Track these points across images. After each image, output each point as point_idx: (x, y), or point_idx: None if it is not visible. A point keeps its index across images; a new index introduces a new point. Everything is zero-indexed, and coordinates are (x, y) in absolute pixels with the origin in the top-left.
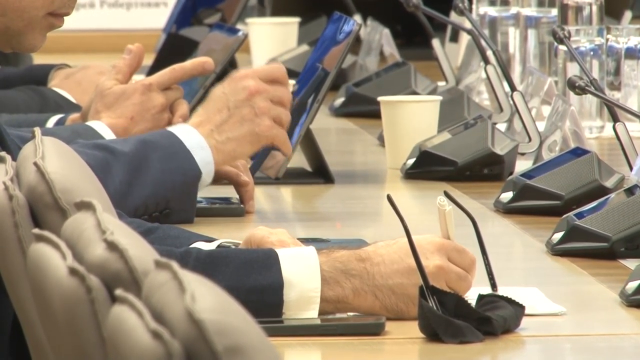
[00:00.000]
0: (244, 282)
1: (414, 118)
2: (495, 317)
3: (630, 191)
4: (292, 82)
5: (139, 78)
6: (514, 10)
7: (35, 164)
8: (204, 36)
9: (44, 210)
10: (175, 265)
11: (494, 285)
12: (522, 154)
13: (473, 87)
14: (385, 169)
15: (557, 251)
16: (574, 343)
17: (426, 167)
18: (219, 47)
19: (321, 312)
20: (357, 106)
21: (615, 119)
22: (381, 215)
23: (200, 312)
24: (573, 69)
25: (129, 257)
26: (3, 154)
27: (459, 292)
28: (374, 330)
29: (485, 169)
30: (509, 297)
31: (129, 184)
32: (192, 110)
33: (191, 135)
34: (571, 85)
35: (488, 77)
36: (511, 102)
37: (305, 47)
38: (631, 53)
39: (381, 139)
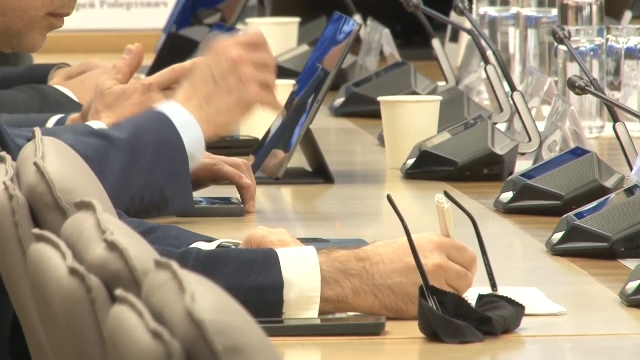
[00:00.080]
0: (244, 282)
1: (414, 118)
2: (496, 317)
3: (630, 191)
4: (292, 82)
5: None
6: (514, 10)
7: (36, 164)
8: (204, 36)
9: (44, 210)
10: (175, 265)
11: (494, 286)
12: (522, 154)
13: (473, 87)
14: (385, 169)
15: (557, 251)
16: (574, 343)
17: (426, 167)
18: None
19: (321, 312)
20: (357, 106)
21: (615, 119)
22: (381, 215)
23: (200, 312)
24: (573, 69)
25: (129, 257)
26: (3, 154)
27: (460, 290)
28: (374, 330)
29: (486, 169)
30: (509, 297)
31: (127, 172)
32: None
33: (181, 113)
34: (571, 85)
35: (488, 77)
36: (511, 102)
37: (305, 47)
38: (631, 53)
39: (381, 139)
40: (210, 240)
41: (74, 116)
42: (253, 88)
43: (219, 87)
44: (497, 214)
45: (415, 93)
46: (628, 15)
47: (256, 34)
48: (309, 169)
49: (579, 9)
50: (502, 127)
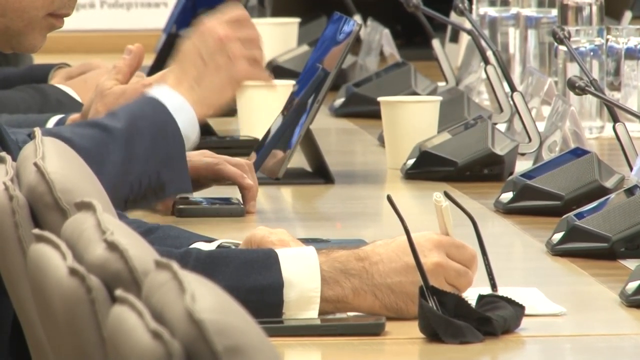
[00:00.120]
0: (244, 282)
1: (414, 118)
2: (496, 318)
3: (630, 191)
4: (292, 82)
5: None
6: (514, 10)
7: (36, 164)
8: None
9: (44, 210)
10: (175, 265)
11: (494, 286)
12: (522, 154)
13: (473, 87)
14: (385, 169)
15: (557, 251)
16: (574, 343)
17: (426, 167)
18: None
19: (321, 312)
20: (357, 106)
21: (615, 119)
22: (381, 215)
23: (200, 312)
24: (573, 69)
25: (129, 257)
26: (3, 154)
27: (460, 289)
28: (374, 330)
29: (485, 169)
30: (509, 297)
31: (126, 161)
32: None
33: (173, 97)
34: (571, 85)
35: (488, 78)
36: (511, 102)
37: (305, 48)
38: (631, 53)
39: (381, 139)
40: (210, 240)
41: (74, 116)
42: (242, 64)
43: (207, 67)
44: (497, 214)
45: (415, 93)
46: (628, 15)
47: (239, 11)
48: (309, 169)
49: (578, 9)
50: (502, 127)
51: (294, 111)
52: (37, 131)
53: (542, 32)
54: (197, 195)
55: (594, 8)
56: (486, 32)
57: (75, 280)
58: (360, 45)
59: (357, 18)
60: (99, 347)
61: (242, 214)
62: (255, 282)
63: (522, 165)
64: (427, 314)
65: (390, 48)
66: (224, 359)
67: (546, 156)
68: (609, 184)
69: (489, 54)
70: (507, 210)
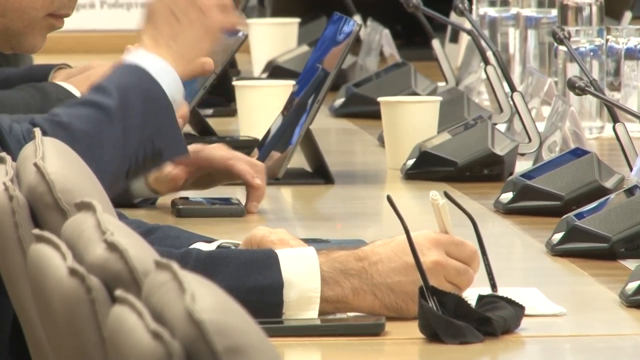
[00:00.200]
0: (244, 283)
1: (414, 118)
2: (496, 318)
3: (630, 191)
4: (292, 82)
5: None
6: (514, 10)
7: (36, 164)
8: None
9: (44, 210)
10: (175, 265)
11: (493, 286)
12: (522, 155)
13: (473, 87)
14: (385, 169)
15: (557, 251)
16: (574, 343)
17: (426, 167)
18: (219, 47)
19: (321, 312)
20: (357, 106)
21: (615, 119)
22: (381, 215)
23: (200, 313)
24: (573, 70)
25: (129, 257)
26: (3, 154)
27: (460, 287)
28: (374, 330)
29: (485, 170)
30: (509, 297)
31: (124, 138)
32: (192, 109)
33: (154, 61)
34: (571, 85)
35: (488, 78)
36: (511, 102)
37: (305, 48)
38: (631, 53)
39: (381, 139)
40: (210, 240)
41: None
42: (215, 14)
43: (181, 23)
44: (497, 214)
45: (415, 93)
46: (628, 15)
47: None
48: (309, 169)
49: (578, 9)
50: (502, 127)
51: (294, 111)
52: (37, 131)
53: (542, 32)
54: (197, 196)
55: (594, 8)
56: (486, 33)
57: (75, 280)
58: (360, 46)
59: (357, 18)
60: (99, 348)
61: (242, 214)
62: (255, 282)
63: (522, 166)
64: (427, 314)
65: (390, 48)
66: (224, 359)
67: (546, 156)
68: (608, 184)
69: (489, 54)
70: (507, 211)
